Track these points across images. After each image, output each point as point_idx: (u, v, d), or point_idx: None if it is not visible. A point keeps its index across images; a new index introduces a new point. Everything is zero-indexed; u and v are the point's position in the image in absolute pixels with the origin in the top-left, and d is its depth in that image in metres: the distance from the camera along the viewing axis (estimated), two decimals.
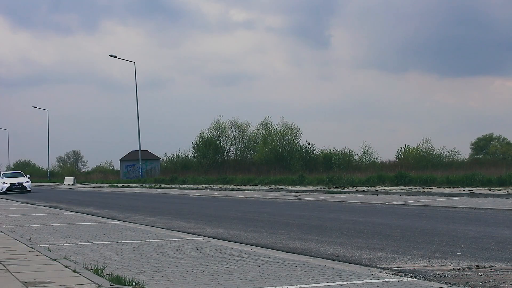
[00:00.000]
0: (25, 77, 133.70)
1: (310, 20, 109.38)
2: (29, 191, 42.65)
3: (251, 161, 63.65)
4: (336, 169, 50.57)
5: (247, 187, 38.40)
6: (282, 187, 35.37)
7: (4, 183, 43.01)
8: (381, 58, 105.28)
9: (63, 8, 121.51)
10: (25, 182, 43.59)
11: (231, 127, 67.83)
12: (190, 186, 45.95)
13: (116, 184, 57.75)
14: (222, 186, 41.70)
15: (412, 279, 6.70)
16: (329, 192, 28.36)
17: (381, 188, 28.62)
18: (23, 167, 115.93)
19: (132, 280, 6.52)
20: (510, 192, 21.92)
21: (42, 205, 24.46)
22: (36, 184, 63.04)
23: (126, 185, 55.34)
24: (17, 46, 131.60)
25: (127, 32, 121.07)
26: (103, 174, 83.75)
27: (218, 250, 9.23)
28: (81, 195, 36.85)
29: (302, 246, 9.99)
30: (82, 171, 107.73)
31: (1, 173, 46.92)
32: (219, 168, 61.64)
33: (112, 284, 6.26)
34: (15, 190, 42.66)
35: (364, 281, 6.51)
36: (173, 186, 47.14)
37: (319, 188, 31.83)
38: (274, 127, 63.02)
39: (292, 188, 32.94)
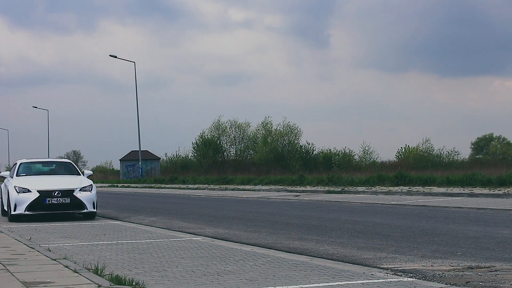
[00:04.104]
0: (25, 77, 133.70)
1: (310, 20, 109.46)
2: (91, 214, 15.95)
3: (251, 161, 63.72)
4: (336, 169, 50.59)
5: (247, 187, 38.40)
6: (282, 187, 35.37)
7: (23, 190, 15.51)
8: (380, 58, 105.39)
9: (60, 7, 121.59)
10: (82, 189, 15.82)
11: (231, 127, 67.93)
12: (190, 186, 45.96)
13: (116, 184, 57.77)
14: (222, 186, 41.71)
15: (412, 279, 6.70)
16: (329, 192, 28.36)
17: (381, 188, 28.62)
18: None
19: (132, 280, 6.52)
20: (510, 192, 21.92)
21: None
22: None
23: (126, 185, 55.35)
24: (16, 45, 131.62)
25: (125, 32, 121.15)
26: (103, 174, 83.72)
27: (218, 250, 9.23)
28: None
29: (302, 246, 9.99)
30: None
31: (18, 164, 17.64)
32: (219, 168, 61.68)
33: (112, 284, 6.26)
34: (53, 209, 15.55)
35: (364, 281, 6.50)
36: (173, 186, 47.13)
37: (319, 188, 31.82)
38: (275, 127, 63.15)
39: (292, 188, 32.94)
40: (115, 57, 57.53)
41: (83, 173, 17.47)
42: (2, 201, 17.87)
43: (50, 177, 16.73)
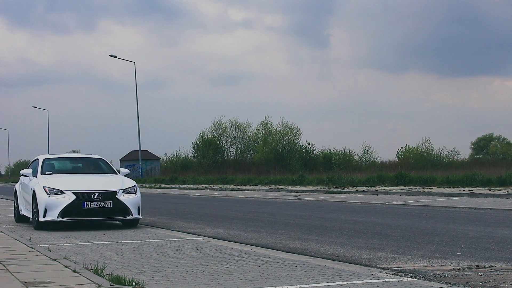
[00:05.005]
0: (25, 77, 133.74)
1: (310, 20, 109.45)
2: (134, 221, 13.57)
3: (251, 161, 63.78)
4: (336, 169, 50.63)
5: (247, 187, 38.41)
6: (282, 187, 35.37)
7: (54, 191, 12.90)
8: (380, 57, 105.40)
9: (59, 7, 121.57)
10: (125, 191, 13.31)
11: (231, 127, 67.98)
12: (190, 186, 45.97)
13: None
14: (222, 186, 41.71)
15: (412, 279, 6.69)
16: (329, 192, 28.36)
17: (381, 188, 28.62)
18: (22, 167, 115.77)
19: (132, 280, 6.52)
20: (510, 192, 21.92)
21: None
22: None
23: None
24: (15, 45, 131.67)
25: (125, 32, 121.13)
26: None
27: (218, 250, 9.23)
28: None
29: (302, 246, 9.99)
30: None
31: (40, 160, 14.67)
32: (219, 168, 61.73)
33: (112, 284, 6.26)
34: (92, 215, 12.97)
35: (364, 281, 6.50)
36: (173, 186, 47.15)
37: (319, 188, 31.82)
38: (274, 127, 63.21)
39: (292, 188, 32.94)
40: (115, 57, 57.48)
41: (118, 171, 14.78)
42: (17, 204, 15.35)
43: (85, 176, 14.12)
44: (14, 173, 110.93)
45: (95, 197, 12.80)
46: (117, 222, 13.91)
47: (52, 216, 12.69)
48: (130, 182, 13.72)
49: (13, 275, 6.93)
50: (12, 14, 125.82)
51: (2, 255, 8.61)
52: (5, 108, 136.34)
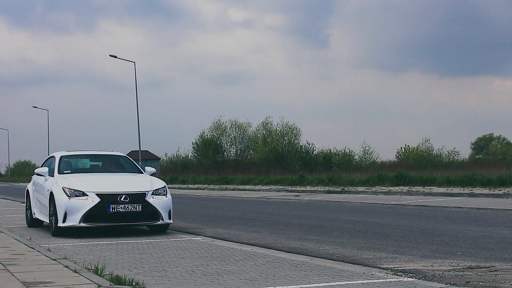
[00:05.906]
0: (25, 77, 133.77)
1: (309, 20, 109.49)
2: (164, 227, 12.02)
3: (251, 161, 63.85)
4: (336, 169, 50.69)
5: (247, 187, 38.43)
6: (282, 187, 35.39)
7: (76, 193, 11.41)
8: (380, 57, 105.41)
9: (58, 7, 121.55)
10: (155, 193, 11.75)
11: (231, 127, 68.02)
12: (190, 186, 45.99)
13: None
14: (222, 186, 41.74)
15: (412, 279, 6.70)
16: (329, 192, 28.37)
17: (381, 188, 28.63)
18: (22, 167, 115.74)
19: (132, 280, 6.52)
20: (510, 192, 21.94)
21: None
22: None
23: None
24: (15, 45, 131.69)
25: (125, 32, 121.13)
26: None
27: (218, 250, 9.23)
28: None
29: (302, 246, 9.99)
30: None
31: (57, 157, 13.15)
32: (219, 168, 61.80)
33: (112, 284, 6.26)
34: (119, 219, 11.42)
35: (364, 281, 6.51)
36: (173, 186, 47.18)
37: (319, 188, 31.84)
38: (274, 127, 63.26)
39: (292, 188, 32.96)
40: (115, 57, 57.38)
41: (142, 167, 13.47)
42: (29, 207, 13.98)
43: (108, 176, 12.67)
44: (14, 173, 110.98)
45: (122, 199, 11.37)
46: (145, 227, 12.88)
47: (73, 221, 11.25)
48: (160, 183, 12.27)
49: (13, 275, 6.93)
50: (12, 14, 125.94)
51: (2, 255, 8.61)
52: (5, 108, 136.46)
